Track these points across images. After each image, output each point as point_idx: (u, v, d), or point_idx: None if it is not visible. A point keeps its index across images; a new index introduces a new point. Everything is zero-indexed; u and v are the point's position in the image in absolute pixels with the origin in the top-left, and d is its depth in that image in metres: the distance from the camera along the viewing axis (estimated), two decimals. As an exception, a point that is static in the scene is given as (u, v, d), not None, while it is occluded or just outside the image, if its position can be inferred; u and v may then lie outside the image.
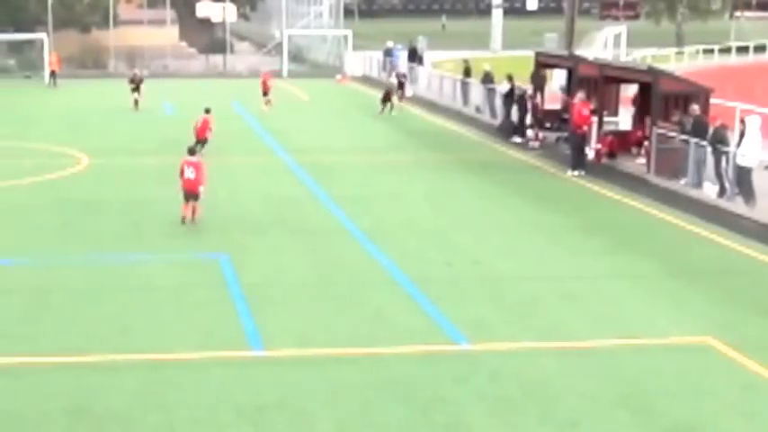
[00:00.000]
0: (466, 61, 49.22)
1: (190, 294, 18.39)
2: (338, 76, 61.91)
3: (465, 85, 46.62)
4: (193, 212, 23.66)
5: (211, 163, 29.19)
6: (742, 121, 27.03)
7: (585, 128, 31.12)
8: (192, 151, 24.33)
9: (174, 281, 19.28)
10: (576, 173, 30.42)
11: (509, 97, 38.02)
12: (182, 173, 23.71)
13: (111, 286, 18.92)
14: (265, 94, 46.12)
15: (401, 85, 48.08)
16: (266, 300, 18.07)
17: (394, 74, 52.00)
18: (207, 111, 33.27)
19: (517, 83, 38.17)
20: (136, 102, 44.37)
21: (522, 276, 19.86)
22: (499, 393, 14.03)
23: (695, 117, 28.11)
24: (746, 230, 23.55)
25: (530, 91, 37.96)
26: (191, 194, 23.54)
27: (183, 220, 23.52)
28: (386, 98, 44.42)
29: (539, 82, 38.43)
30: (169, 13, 70.27)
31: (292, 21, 69.03)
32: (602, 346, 15.96)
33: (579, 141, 31.02)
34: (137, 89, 44.61)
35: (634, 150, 32.16)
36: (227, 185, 28.40)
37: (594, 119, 32.35)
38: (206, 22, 73.91)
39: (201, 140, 32.17)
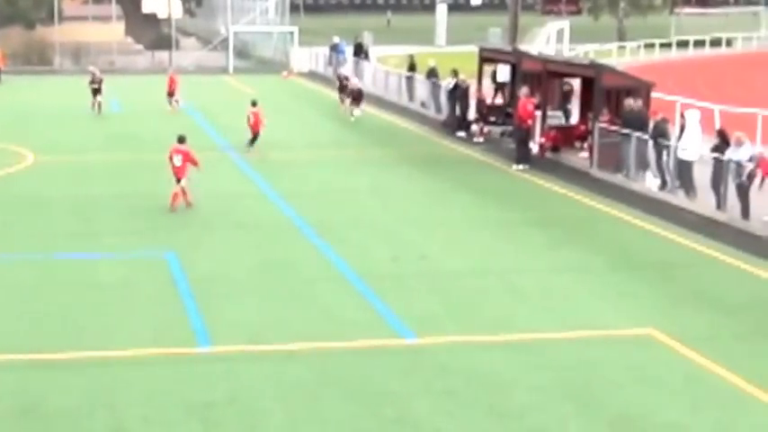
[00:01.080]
0: (411, 57, 49.37)
1: (138, 292, 18.38)
2: (284, 72, 61.77)
3: (410, 81, 46.80)
4: (183, 194, 24.81)
5: (158, 160, 29.09)
6: (682, 116, 27.43)
7: (530, 122, 31.42)
8: (181, 139, 25.41)
9: (121, 278, 19.25)
10: (520, 167, 30.70)
11: (454, 92, 38.24)
12: (170, 159, 24.91)
13: (59, 284, 18.87)
14: (171, 94, 43.11)
15: (343, 88, 44.61)
16: (214, 296, 18.11)
17: (340, 76, 48.12)
18: (254, 104, 33.54)
19: (462, 77, 38.36)
20: (99, 105, 40.99)
21: (469, 271, 20.05)
22: (446, 387, 14.19)
23: (629, 110, 28.57)
24: (688, 223, 23.94)
25: (474, 86, 38.19)
26: (178, 180, 24.76)
27: (173, 206, 24.75)
28: (354, 98, 41.80)
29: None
30: (114, 9, 69.68)
31: (238, 16, 68.72)
32: (547, 339, 16.19)
33: (524, 136, 31.30)
34: (98, 90, 41.17)
35: (577, 144, 32.53)
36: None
37: (538, 113, 32.67)
38: (152, 18, 73.43)
39: (256, 134, 32.89)
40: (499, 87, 40.19)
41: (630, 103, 28.80)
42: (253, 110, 33.13)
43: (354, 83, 43.23)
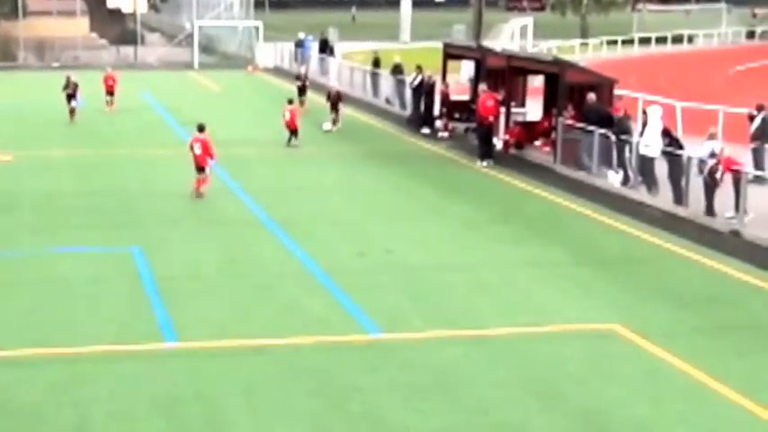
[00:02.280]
0: (375, 52, 49.46)
1: (103, 288, 18.34)
2: (249, 68, 61.75)
3: (375, 77, 46.88)
4: (200, 184, 25.60)
5: (125, 155, 29.13)
6: (644, 112, 27.68)
7: (492, 119, 31.55)
8: (200, 128, 26.09)
9: (86, 274, 19.19)
10: (484, 163, 30.85)
11: (419, 89, 38.36)
12: (191, 149, 25.74)
13: (23, 280, 18.79)
14: (110, 93, 41.23)
15: (304, 90, 42.59)
16: (180, 292, 18.11)
17: (300, 76, 44.84)
18: (290, 101, 34.48)
19: (427, 73, 38.47)
20: (72, 112, 37.92)
21: (434, 266, 20.16)
22: (412, 382, 14.27)
23: (589, 105, 28.86)
24: (650, 218, 24.17)
25: (439, 82, 38.31)
26: (199, 168, 25.61)
27: (195, 193, 25.58)
28: (333, 104, 38.26)
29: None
30: (79, 4, 69.31)
31: (203, 12, 68.56)
32: (511, 334, 16.30)
33: (486, 132, 31.44)
34: (73, 96, 37.90)
35: (541, 141, 32.71)
36: (139, 177, 28.32)
37: (502, 110, 32.81)
38: (116, 13, 73.06)
39: (294, 131, 33.54)
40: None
41: (592, 98, 29.03)
42: (289, 107, 33.79)
43: (333, 86, 40.33)
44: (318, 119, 38.18)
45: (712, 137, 24.89)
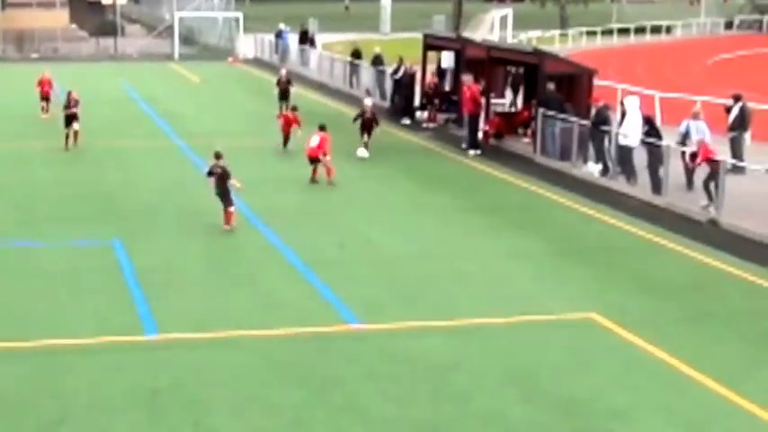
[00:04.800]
0: (354, 44, 49.47)
1: (83, 280, 18.35)
2: (230, 59, 61.66)
3: (354, 68, 46.90)
4: (328, 173, 26.26)
5: (105, 146, 29.08)
6: (622, 103, 27.83)
7: (478, 109, 31.65)
8: (322, 127, 26.52)
9: (67, 266, 19.19)
10: (471, 152, 30.96)
11: (399, 79, 38.44)
12: (306, 141, 26.58)
13: (3, 272, 18.77)
14: (45, 99, 37.28)
15: (286, 95, 38.01)
16: (160, 284, 18.12)
17: (281, 78, 38.83)
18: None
19: (408, 64, 38.53)
20: (75, 135, 31.22)
21: (414, 256, 20.22)
22: (391, 372, 14.33)
23: (549, 93, 29.46)
24: (629, 208, 24.29)
25: (425, 73, 38.37)
26: (313, 159, 26.26)
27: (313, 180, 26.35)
28: (366, 126, 30.81)
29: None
30: (59, -4, 69.20)
31: (183, 3, 68.42)
32: (491, 324, 16.38)
33: (474, 122, 31.58)
34: (75, 117, 31.13)
35: (521, 131, 32.84)
36: (120, 169, 28.26)
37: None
38: (96, 5, 72.89)
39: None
40: (441, 74, 39.92)
41: (551, 87, 29.70)
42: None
43: (367, 104, 31.51)
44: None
45: (695, 116, 25.59)
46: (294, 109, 31.70)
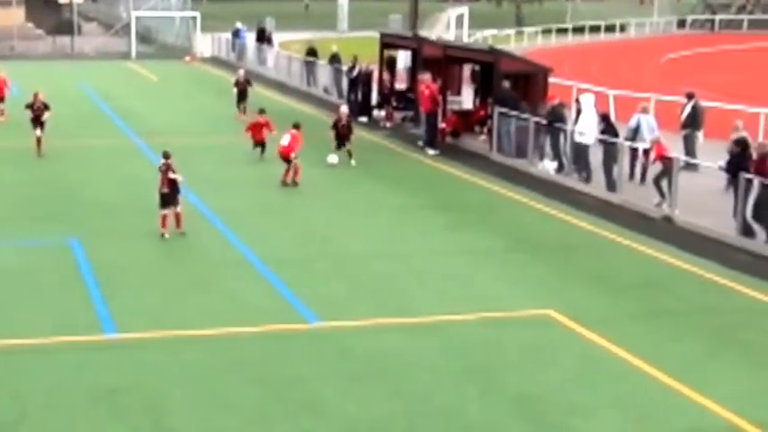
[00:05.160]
0: (309, 42, 49.48)
1: (41, 279, 18.28)
2: (187, 58, 61.45)
3: (310, 66, 46.94)
4: (295, 173, 25.88)
5: (62, 145, 28.91)
6: (577, 100, 28.08)
7: (435, 108, 31.79)
8: (296, 125, 26.44)
9: (24, 266, 19.10)
10: (431, 151, 31.08)
11: (356, 78, 38.52)
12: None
13: (-41, 273, 18.69)
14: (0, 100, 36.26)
15: (244, 95, 37.63)
16: (119, 283, 18.09)
17: (239, 79, 38.30)
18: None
19: (364, 63, 38.62)
20: (38, 141, 29.84)
21: (373, 255, 20.31)
22: (351, 370, 14.42)
23: (504, 91, 29.79)
24: (584, 205, 24.50)
25: (377, 71, 38.44)
26: (286, 159, 25.89)
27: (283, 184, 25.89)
28: (340, 135, 29.48)
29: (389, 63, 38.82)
30: (15, -7, 68.56)
31: (139, 2, 68.01)
32: (449, 321, 16.49)
33: (432, 121, 31.71)
34: (39, 121, 29.87)
35: (477, 129, 33.02)
36: (77, 168, 28.14)
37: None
38: (53, 3, 72.32)
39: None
40: (390, 68, 39.51)
41: (506, 85, 29.93)
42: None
43: (343, 111, 30.23)
44: (253, 105, 38.04)
45: (644, 110, 26.61)
46: (262, 111, 30.07)
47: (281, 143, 26.28)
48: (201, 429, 12.57)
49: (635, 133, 26.23)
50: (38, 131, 29.66)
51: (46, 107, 29.85)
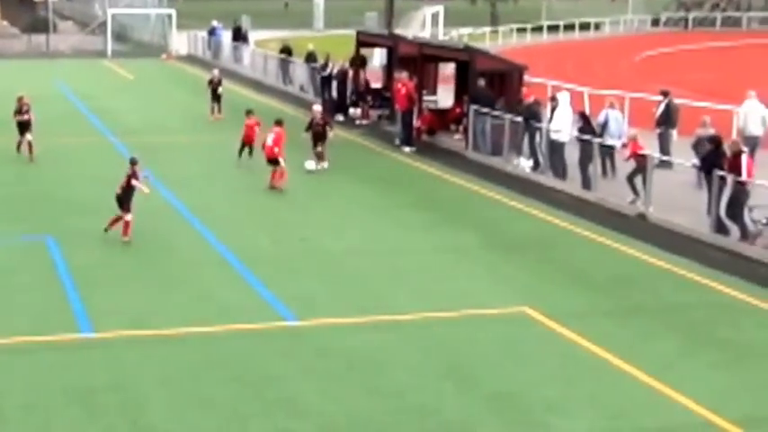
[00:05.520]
0: (284, 41, 49.48)
1: (16, 278, 18.25)
2: (164, 55, 61.33)
3: (285, 65, 46.96)
4: (279, 176, 25.17)
5: (38, 144, 28.78)
6: (553, 98, 28.20)
7: (411, 106, 31.85)
8: (278, 122, 25.99)
9: (0, 265, 19.07)
10: (407, 149, 31.13)
11: (329, 76, 38.57)
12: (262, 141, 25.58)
13: (-67, 273, 18.62)
14: None
15: (218, 95, 37.06)
16: (95, 282, 18.07)
17: (213, 79, 37.53)
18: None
19: (340, 61, 38.65)
20: (29, 145, 28.59)
21: (349, 253, 20.34)
22: (327, 368, 14.46)
23: (479, 90, 29.90)
24: (559, 203, 24.61)
25: (352, 69, 38.48)
26: (271, 160, 25.26)
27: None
28: (317, 135, 28.35)
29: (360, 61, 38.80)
30: (-11, -8, 68.28)
31: (115, 0, 67.93)
32: (426, 319, 16.56)
33: (408, 119, 31.77)
34: (27, 127, 28.62)
35: (452, 127, 33.11)
36: (53, 167, 28.04)
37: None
38: (28, 1, 72.03)
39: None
40: (358, 67, 39.27)
41: (481, 83, 30.03)
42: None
43: (316, 110, 29.17)
44: (229, 103, 38.06)
45: (611, 105, 27.18)
46: (249, 113, 29.23)
47: (266, 143, 25.54)
48: (178, 428, 12.59)
49: (603, 128, 26.50)
50: (28, 136, 28.41)
51: (29, 108, 28.61)
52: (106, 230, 20.76)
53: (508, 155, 28.52)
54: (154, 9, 68.04)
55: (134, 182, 20.79)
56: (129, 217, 20.65)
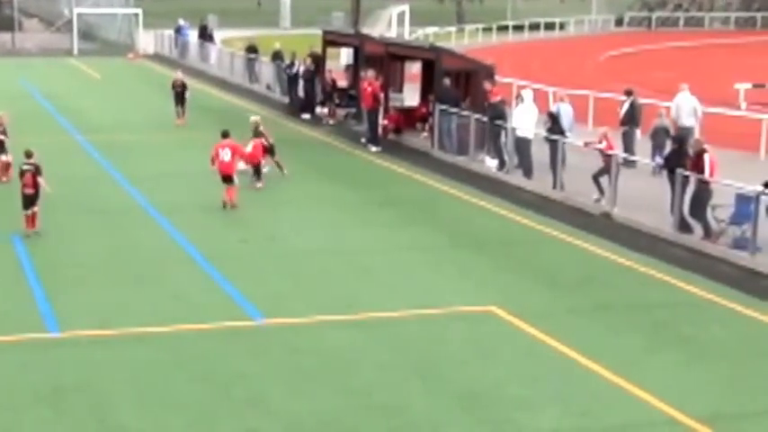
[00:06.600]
0: (249, 39, 49.43)
1: (-19, 278, 18.19)
2: (131, 54, 61.12)
3: (251, 63, 46.92)
4: (232, 194, 23.40)
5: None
6: (518, 96, 28.39)
7: (376, 105, 31.92)
8: (225, 134, 23.78)
9: (-36, 265, 19.00)
10: (373, 149, 31.20)
11: (296, 75, 38.59)
12: (216, 157, 23.42)
13: None
14: None
15: (182, 98, 35.72)
16: (62, 281, 18.04)
17: (176, 82, 36.25)
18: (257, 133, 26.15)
19: (308, 60, 38.64)
20: (5, 168, 25.77)
21: (316, 251, 20.37)
22: (296, 367, 14.49)
23: (445, 89, 30.18)
24: (525, 202, 24.76)
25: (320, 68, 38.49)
26: (226, 177, 23.39)
27: (224, 205, 23.32)
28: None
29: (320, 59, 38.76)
30: (-47, -10, 67.76)
31: (81, -1, 67.71)
32: (393, 318, 16.63)
33: (374, 118, 31.85)
34: (2, 147, 25.89)
35: (419, 126, 33.22)
36: (18, 165, 27.81)
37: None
38: (-8, -1, 71.69)
39: (256, 167, 25.63)
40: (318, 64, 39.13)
41: (446, 82, 30.25)
42: (254, 141, 25.66)
43: (255, 118, 27.73)
44: (196, 102, 37.98)
45: (562, 99, 28.08)
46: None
47: (222, 159, 23.46)
48: (147, 427, 12.58)
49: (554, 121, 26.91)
50: (4, 157, 25.74)
51: (4, 131, 26.04)
52: (28, 235, 20.61)
53: (474, 154, 28.65)
54: (120, 9, 67.78)
55: (39, 179, 20.74)
56: (37, 208, 20.73)
